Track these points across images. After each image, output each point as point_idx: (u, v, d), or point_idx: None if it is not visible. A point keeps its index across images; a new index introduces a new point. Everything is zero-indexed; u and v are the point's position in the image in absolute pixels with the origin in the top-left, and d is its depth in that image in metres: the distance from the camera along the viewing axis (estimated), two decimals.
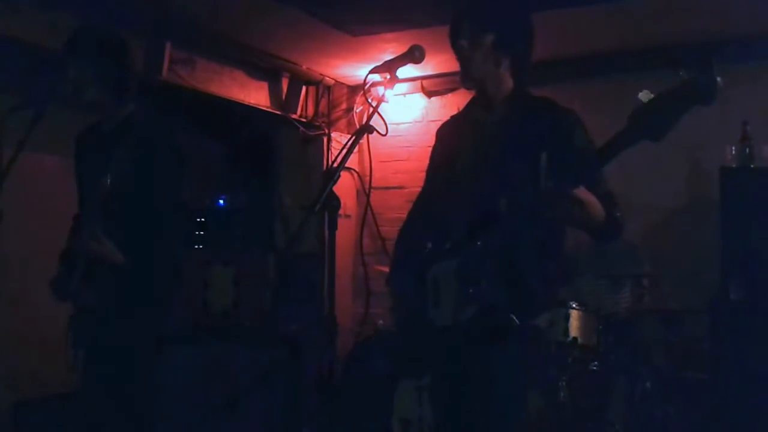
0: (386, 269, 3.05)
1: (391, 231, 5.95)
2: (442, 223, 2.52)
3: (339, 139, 6.31)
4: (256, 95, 5.81)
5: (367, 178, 6.37)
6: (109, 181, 2.67)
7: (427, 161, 2.77)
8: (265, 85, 5.89)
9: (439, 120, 2.77)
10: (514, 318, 2.30)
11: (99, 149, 2.85)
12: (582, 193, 2.10)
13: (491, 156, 2.43)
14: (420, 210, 2.76)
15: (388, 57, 2.46)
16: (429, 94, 6.18)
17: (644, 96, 1.83)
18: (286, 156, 6.45)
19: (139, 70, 3.28)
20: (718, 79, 1.74)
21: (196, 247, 5.10)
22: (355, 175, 6.43)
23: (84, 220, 2.88)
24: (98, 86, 2.88)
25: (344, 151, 2.24)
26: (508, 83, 2.51)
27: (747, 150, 4.68)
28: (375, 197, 6.33)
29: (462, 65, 2.50)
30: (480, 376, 2.33)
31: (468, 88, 2.60)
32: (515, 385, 2.37)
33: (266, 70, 5.81)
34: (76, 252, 2.85)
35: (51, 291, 2.93)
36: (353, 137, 2.31)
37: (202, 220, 5.17)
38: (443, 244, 2.45)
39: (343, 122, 6.48)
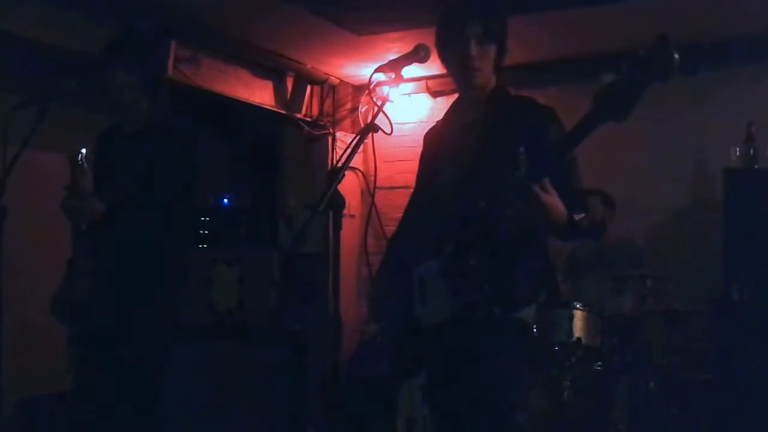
0: None
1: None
2: (431, 226, 2.52)
3: (344, 138, 6.30)
4: (260, 94, 5.81)
5: (372, 177, 6.38)
6: (129, 180, 2.68)
7: None
8: (269, 84, 5.88)
9: None
10: (496, 311, 2.31)
11: (122, 149, 2.86)
12: (542, 190, 2.07)
13: (477, 156, 2.44)
14: (410, 216, 2.78)
15: (393, 56, 2.46)
16: (434, 93, 6.16)
17: (608, 78, 1.81)
18: (290, 155, 6.45)
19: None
20: (676, 55, 1.69)
21: (201, 246, 5.10)
22: (360, 174, 6.43)
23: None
24: (137, 90, 2.89)
25: (349, 151, 2.24)
26: (494, 83, 2.54)
27: (751, 151, 4.67)
28: (380, 197, 6.33)
29: (467, 74, 2.48)
30: (468, 371, 2.35)
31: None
32: (504, 377, 2.37)
33: (271, 69, 5.81)
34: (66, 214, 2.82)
35: (49, 308, 2.94)
36: (358, 137, 2.31)
37: (207, 219, 5.17)
38: (430, 246, 2.46)
39: (347, 122, 6.47)
